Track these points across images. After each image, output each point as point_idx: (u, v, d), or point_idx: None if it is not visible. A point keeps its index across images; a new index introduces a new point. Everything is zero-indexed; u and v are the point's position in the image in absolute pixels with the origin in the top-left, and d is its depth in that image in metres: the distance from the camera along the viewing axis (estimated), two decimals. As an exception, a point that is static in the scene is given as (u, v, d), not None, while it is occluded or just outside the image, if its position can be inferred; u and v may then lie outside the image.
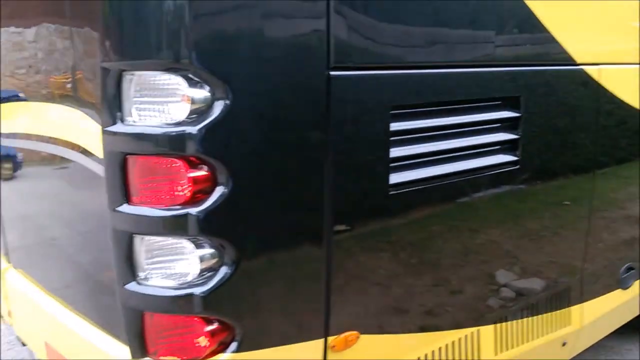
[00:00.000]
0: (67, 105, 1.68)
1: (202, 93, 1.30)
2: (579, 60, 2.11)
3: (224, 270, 1.37)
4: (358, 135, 1.55)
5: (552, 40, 1.99)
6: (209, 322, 1.39)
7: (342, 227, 1.55)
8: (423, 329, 1.81)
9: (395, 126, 1.62)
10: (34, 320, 2.08)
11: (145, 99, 1.34)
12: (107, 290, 1.54)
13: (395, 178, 1.64)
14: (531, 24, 1.92)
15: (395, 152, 1.64)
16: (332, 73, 1.44)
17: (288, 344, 1.49)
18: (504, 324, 2.05)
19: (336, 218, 1.52)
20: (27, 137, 1.99)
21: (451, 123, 1.80)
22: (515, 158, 1.95)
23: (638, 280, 2.67)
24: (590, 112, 2.23)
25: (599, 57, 2.21)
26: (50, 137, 1.81)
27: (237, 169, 1.35)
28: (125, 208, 1.37)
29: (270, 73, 1.37)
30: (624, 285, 2.58)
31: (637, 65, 2.44)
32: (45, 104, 1.84)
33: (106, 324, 1.64)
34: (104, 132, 1.38)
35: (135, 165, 1.36)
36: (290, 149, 1.44)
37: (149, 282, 1.40)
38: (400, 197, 1.67)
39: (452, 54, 1.75)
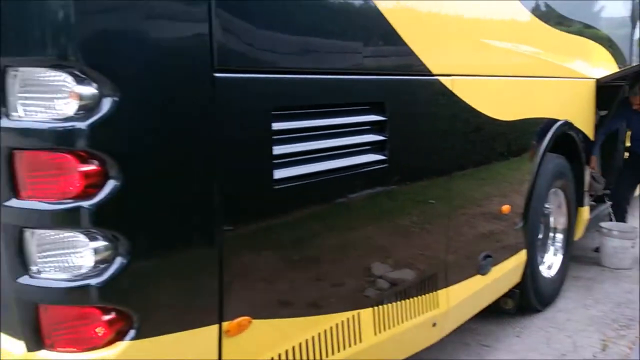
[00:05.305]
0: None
1: (90, 90, 1.37)
2: (434, 71, 2.41)
3: (118, 261, 1.43)
4: (243, 133, 1.68)
5: (410, 53, 2.27)
6: (106, 311, 1.44)
7: (232, 221, 1.66)
8: (310, 313, 1.96)
9: (277, 126, 1.77)
10: None
11: (31, 94, 1.38)
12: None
13: (279, 174, 1.79)
14: (392, 38, 2.18)
15: (278, 150, 1.79)
16: (216, 75, 1.57)
17: (185, 330, 1.57)
18: (381, 307, 2.26)
19: (227, 212, 1.63)
20: None
21: (328, 124, 2.00)
22: (384, 157, 2.19)
23: (495, 267, 3.03)
24: (446, 118, 2.54)
25: (452, 69, 2.54)
26: None
27: (127, 164, 1.42)
28: (13, 202, 1.40)
29: (156, 73, 1.46)
30: (482, 271, 2.92)
31: (486, 77, 2.83)
32: None
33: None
34: None
35: (22, 160, 1.39)
36: (177, 147, 1.53)
37: (42, 275, 1.42)
38: (285, 192, 1.82)
39: (324, 62, 1.95)
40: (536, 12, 3.40)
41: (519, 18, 3.21)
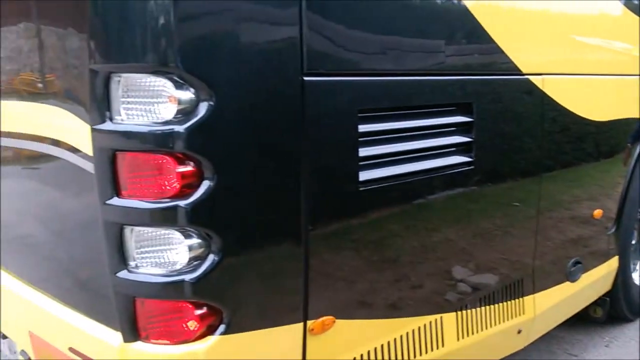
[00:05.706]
0: (52, 104, 1.74)
1: (188, 95, 1.42)
2: (524, 70, 2.33)
3: (211, 258, 1.48)
4: (331, 136, 1.70)
5: (499, 51, 2.20)
6: (198, 306, 1.49)
7: (318, 222, 1.68)
8: (392, 315, 1.95)
9: (363, 128, 1.77)
10: (16, 311, 2.11)
11: (133, 99, 1.45)
12: (96, 280, 1.63)
13: (364, 175, 1.79)
14: (480, 37, 2.12)
15: (363, 151, 1.79)
16: (305, 79, 1.59)
17: (272, 326, 1.61)
18: (464, 311, 2.21)
19: (313, 213, 1.65)
20: (8, 135, 2.02)
21: (412, 126, 1.97)
22: (470, 159, 2.14)
23: (585, 273, 2.90)
24: (536, 119, 2.45)
25: (543, 68, 2.44)
26: (34, 135, 1.86)
27: (221, 166, 1.47)
28: (115, 201, 1.48)
29: (249, 77, 1.50)
30: (572, 278, 2.80)
31: (577, 76, 2.70)
32: (28, 103, 1.88)
33: (94, 312, 1.71)
34: (94, 130, 1.48)
35: (124, 161, 1.46)
36: (268, 149, 1.57)
37: (140, 270, 1.50)
38: (369, 194, 1.82)
39: (411, 63, 1.92)
40: (630, 5, 3.20)
41: (612, 12, 3.04)
